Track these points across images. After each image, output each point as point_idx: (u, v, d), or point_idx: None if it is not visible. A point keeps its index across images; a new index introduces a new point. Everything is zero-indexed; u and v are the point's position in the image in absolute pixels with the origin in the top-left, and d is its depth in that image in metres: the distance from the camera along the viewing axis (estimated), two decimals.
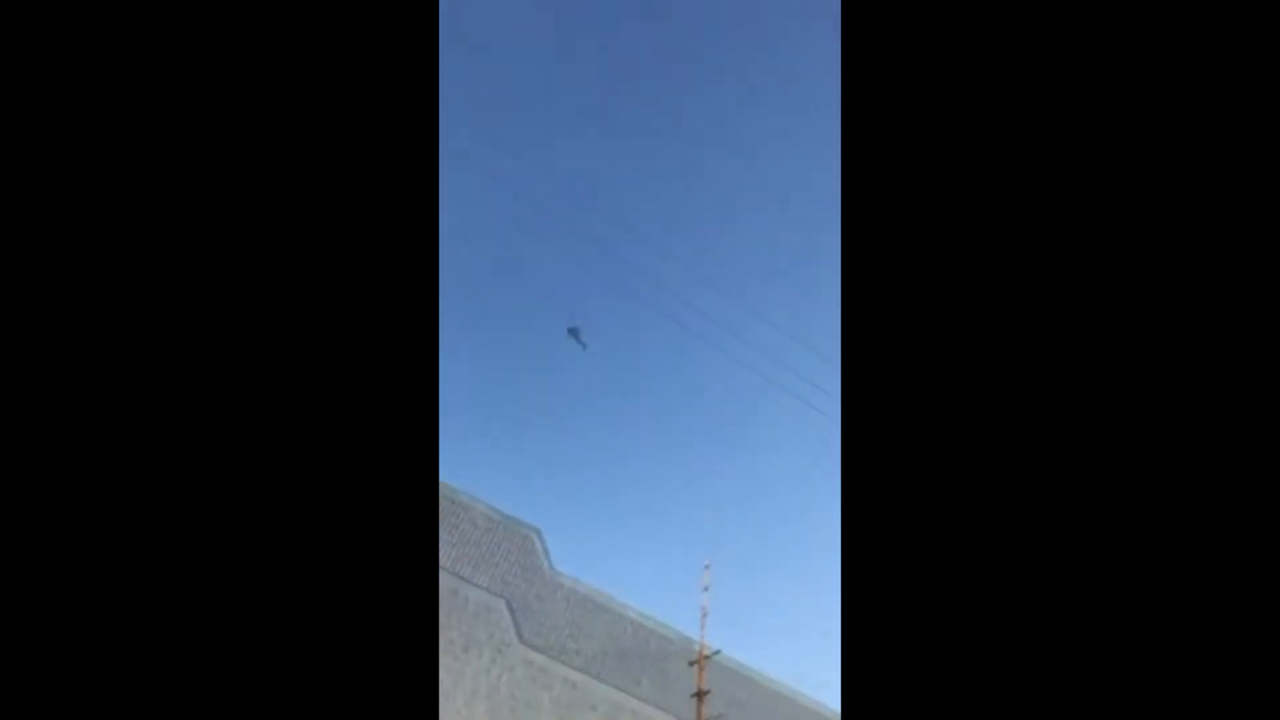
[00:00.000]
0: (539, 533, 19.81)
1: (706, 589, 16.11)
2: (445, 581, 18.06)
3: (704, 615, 15.35)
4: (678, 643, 19.63)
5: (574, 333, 15.11)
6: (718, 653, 17.22)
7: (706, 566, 16.30)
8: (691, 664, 17.20)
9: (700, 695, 15.52)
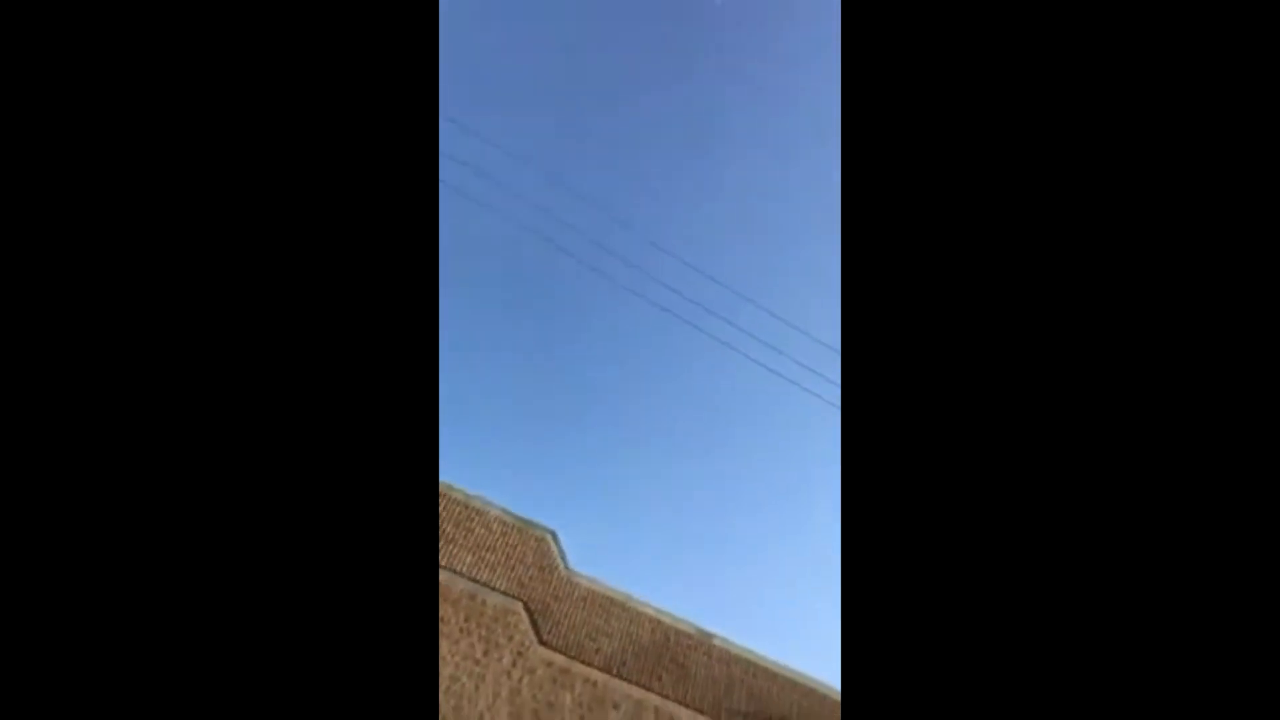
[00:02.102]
0: (554, 534, 19.87)
1: None
2: (463, 586, 18.93)
3: None
4: (696, 637, 18.91)
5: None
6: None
7: None
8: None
9: None
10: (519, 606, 19.25)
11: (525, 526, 20.08)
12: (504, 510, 20.12)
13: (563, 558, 19.94)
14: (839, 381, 16.44)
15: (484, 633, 19.07)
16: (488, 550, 19.85)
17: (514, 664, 18.94)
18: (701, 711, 17.78)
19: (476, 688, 18.85)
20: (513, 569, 19.77)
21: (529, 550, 19.95)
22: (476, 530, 20.03)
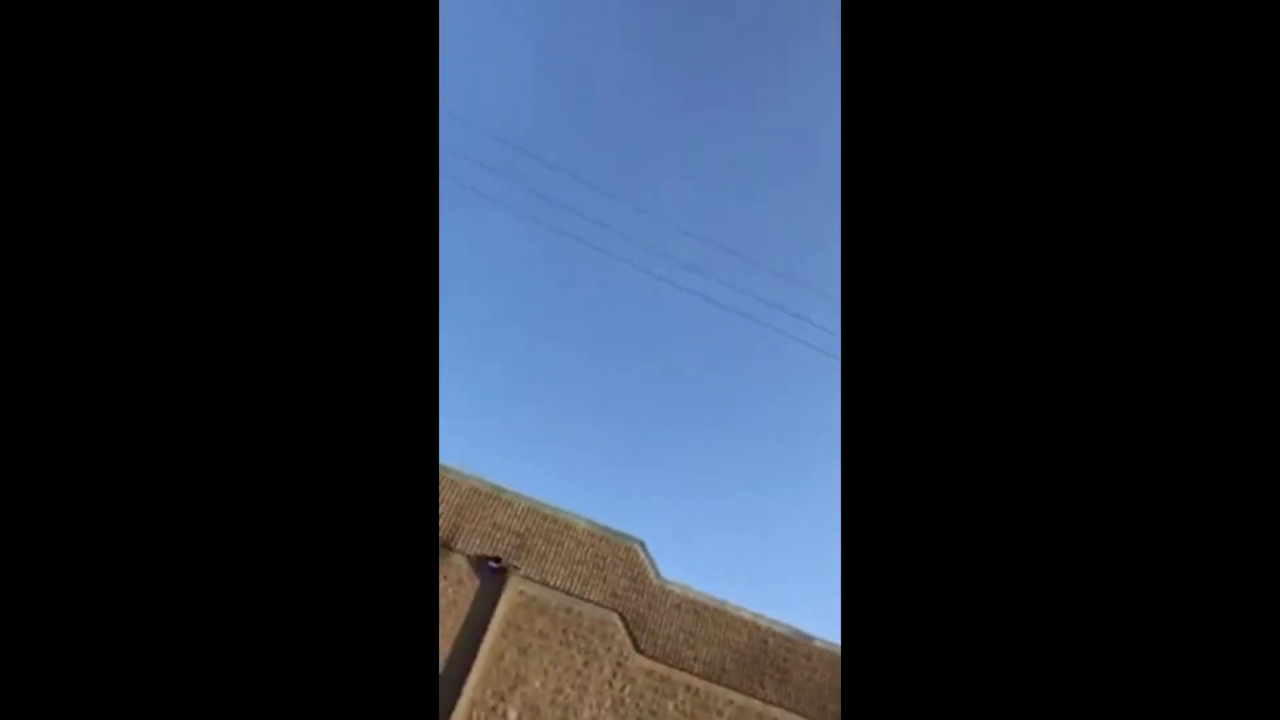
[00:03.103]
0: (643, 544, 19.77)
1: None
2: (559, 600, 19.02)
3: None
4: (795, 640, 18.62)
5: None
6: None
7: None
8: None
9: None
10: (614, 617, 19.26)
11: (613, 538, 20.02)
12: (591, 522, 20.09)
13: (653, 566, 19.80)
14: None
15: (583, 644, 19.14)
16: (579, 564, 19.82)
17: (614, 674, 18.98)
18: (807, 716, 17.51)
19: (580, 698, 18.93)
20: (605, 580, 19.70)
21: (619, 561, 19.86)
22: (566, 544, 20.01)
